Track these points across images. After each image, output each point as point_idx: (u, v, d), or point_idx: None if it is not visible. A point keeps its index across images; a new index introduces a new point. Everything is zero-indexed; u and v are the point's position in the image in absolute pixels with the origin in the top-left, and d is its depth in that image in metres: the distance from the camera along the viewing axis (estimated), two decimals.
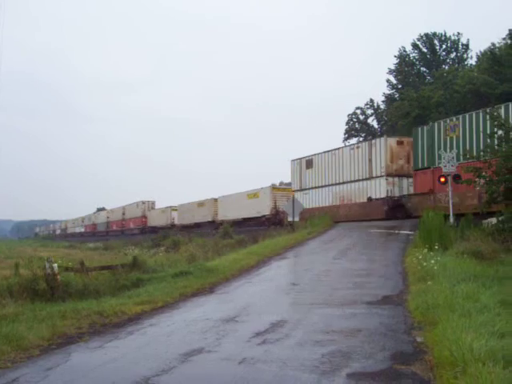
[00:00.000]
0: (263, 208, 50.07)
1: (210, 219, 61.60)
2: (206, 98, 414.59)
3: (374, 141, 38.46)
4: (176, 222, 71.46)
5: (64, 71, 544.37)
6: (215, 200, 62.39)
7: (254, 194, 52.70)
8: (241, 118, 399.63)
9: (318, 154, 43.68)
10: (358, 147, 39.40)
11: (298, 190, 45.00)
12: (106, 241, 65.96)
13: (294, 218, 32.33)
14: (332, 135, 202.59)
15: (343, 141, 79.80)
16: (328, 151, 42.43)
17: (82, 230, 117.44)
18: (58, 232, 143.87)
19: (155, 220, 78.78)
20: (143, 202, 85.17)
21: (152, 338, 9.40)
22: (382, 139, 37.13)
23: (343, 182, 40.05)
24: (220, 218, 58.59)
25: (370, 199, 31.28)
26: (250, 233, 38.50)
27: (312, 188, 43.63)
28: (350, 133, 79.72)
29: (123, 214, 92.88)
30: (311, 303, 12.05)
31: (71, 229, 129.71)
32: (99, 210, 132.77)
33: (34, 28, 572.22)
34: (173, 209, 74.25)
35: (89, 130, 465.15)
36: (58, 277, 13.45)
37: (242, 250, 24.91)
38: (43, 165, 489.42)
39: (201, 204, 65.32)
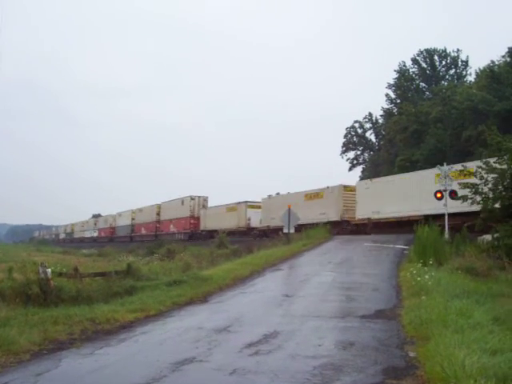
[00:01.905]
0: None
1: (335, 218, 40.16)
2: (202, 107, 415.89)
3: None
4: (255, 223, 52.26)
5: (60, 76, 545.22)
6: (345, 188, 41.32)
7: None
8: (235, 131, 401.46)
9: None
10: None
11: None
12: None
13: (289, 229, 32.32)
14: (327, 149, 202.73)
15: (340, 154, 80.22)
16: None
17: (95, 234, 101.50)
18: (62, 236, 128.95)
19: (215, 221, 58.48)
20: (192, 198, 64.23)
21: (144, 346, 9.37)
22: None
23: None
24: (364, 214, 37.71)
25: None
26: None
27: None
28: (347, 146, 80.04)
29: (158, 213, 73.46)
30: (304, 315, 12.02)
31: (79, 233, 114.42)
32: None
33: (30, 32, 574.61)
34: (250, 205, 54.15)
35: (85, 135, 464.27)
36: (51, 282, 13.40)
37: (236, 260, 24.89)
38: (39, 169, 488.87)
39: (314, 195, 44.02)
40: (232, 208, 56.31)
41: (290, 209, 32.89)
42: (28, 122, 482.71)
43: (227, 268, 21.25)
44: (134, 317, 12.11)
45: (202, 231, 58.43)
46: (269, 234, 46.72)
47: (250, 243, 35.68)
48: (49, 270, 13.57)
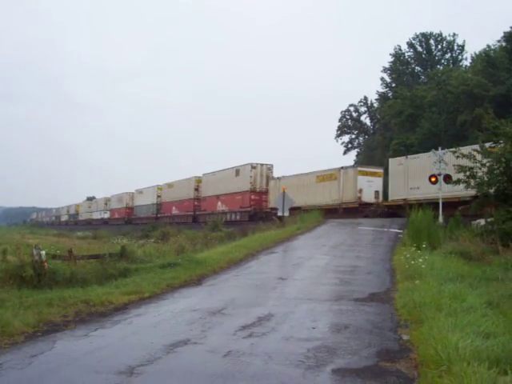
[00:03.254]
0: None
1: None
2: (199, 87, 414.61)
3: None
4: (369, 197, 38.95)
5: (56, 56, 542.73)
6: None
7: None
8: (232, 110, 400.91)
9: None
10: None
11: None
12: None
13: (283, 212, 32.31)
14: (322, 132, 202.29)
15: (335, 137, 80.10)
16: None
17: (106, 215, 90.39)
18: (65, 219, 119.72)
19: (295, 195, 37.10)
20: (253, 166, 49.00)
21: (138, 328, 9.38)
22: None
23: None
24: None
25: None
26: None
27: None
28: (342, 130, 79.87)
29: (196, 189, 59.47)
30: (298, 298, 12.05)
31: (86, 214, 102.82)
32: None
33: (30, 12, 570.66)
34: (361, 171, 39.69)
35: (82, 116, 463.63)
36: (46, 264, 13.35)
37: (230, 243, 24.88)
38: (34, 151, 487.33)
39: None
40: (329, 176, 41.42)
41: (284, 192, 32.88)
42: (25, 103, 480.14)
43: (222, 251, 21.24)
44: (128, 299, 12.11)
45: (273, 209, 41.96)
46: (402, 210, 33.94)
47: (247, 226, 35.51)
48: (43, 252, 13.50)
